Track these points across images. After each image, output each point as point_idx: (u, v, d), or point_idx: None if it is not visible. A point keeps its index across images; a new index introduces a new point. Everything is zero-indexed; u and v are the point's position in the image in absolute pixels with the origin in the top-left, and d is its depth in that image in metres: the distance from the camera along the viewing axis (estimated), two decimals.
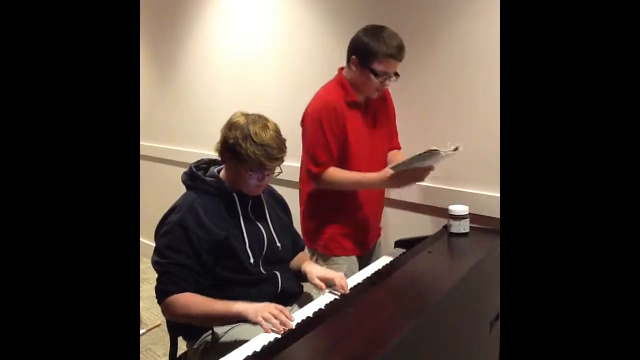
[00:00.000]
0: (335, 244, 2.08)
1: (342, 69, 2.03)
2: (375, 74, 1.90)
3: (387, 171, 1.83)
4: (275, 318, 1.41)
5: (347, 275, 1.73)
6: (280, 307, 1.45)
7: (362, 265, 2.11)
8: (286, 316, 1.41)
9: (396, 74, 1.94)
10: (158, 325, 3.12)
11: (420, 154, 1.69)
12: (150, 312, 3.36)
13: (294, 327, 1.39)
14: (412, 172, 1.82)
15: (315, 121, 1.94)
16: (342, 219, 2.07)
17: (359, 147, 1.98)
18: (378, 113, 2.08)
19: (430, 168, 1.84)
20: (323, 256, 2.08)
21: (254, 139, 1.57)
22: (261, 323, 1.41)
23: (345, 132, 1.96)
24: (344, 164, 1.98)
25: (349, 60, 1.97)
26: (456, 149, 1.71)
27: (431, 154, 1.68)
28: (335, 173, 1.95)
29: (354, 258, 2.13)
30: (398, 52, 1.88)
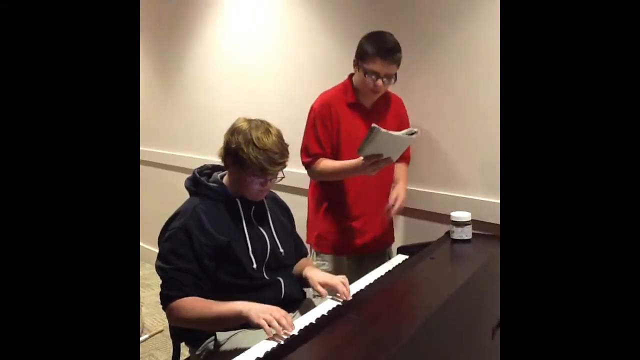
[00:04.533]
0: (324, 241, 2.15)
1: (352, 74, 2.14)
2: (365, 74, 2.00)
3: (360, 157, 1.91)
4: (277, 322, 1.40)
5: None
6: (283, 311, 1.45)
7: (364, 268, 2.13)
8: (287, 322, 1.41)
9: (389, 77, 2.01)
10: (161, 331, 3.12)
11: (369, 135, 1.75)
12: (153, 317, 3.36)
13: (296, 334, 1.39)
14: (381, 156, 1.85)
15: (312, 116, 2.10)
16: (333, 216, 2.16)
17: (353, 146, 2.00)
18: (382, 118, 2.12)
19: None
20: (316, 252, 2.18)
21: (256, 144, 1.58)
22: (263, 326, 1.39)
23: (340, 130, 2.08)
24: (337, 159, 2.08)
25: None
26: (413, 133, 1.80)
27: (387, 136, 1.75)
28: (321, 163, 2.07)
29: (344, 259, 2.18)
30: (385, 53, 1.97)
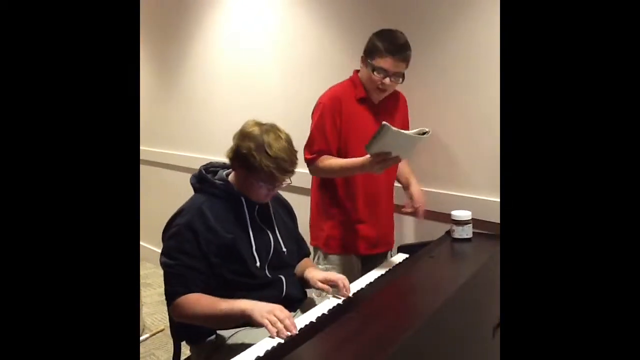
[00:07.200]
0: (335, 242, 2.11)
1: (358, 70, 2.11)
2: (374, 70, 1.97)
3: (367, 155, 1.84)
4: (280, 322, 1.40)
5: (347, 278, 1.73)
6: (286, 311, 1.45)
7: (366, 269, 2.11)
8: (290, 322, 1.41)
9: (398, 75, 1.98)
10: (161, 330, 3.12)
11: (379, 133, 1.67)
12: (153, 317, 3.36)
13: (296, 333, 1.39)
14: (389, 154, 1.77)
15: (320, 111, 2.04)
16: (341, 214, 2.11)
17: (361, 142, 1.95)
18: (391, 115, 2.11)
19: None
20: (324, 254, 2.13)
21: (267, 152, 1.57)
22: (266, 326, 1.40)
23: (349, 125, 2.04)
24: (344, 156, 2.03)
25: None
26: (425, 132, 1.72)
27: (397, 135, 1.68)
28: (325, 160, 2.02)
29: (353, 258, 2.15)
30: (396, 50, 1.94)
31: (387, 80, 1.97)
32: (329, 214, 2.13)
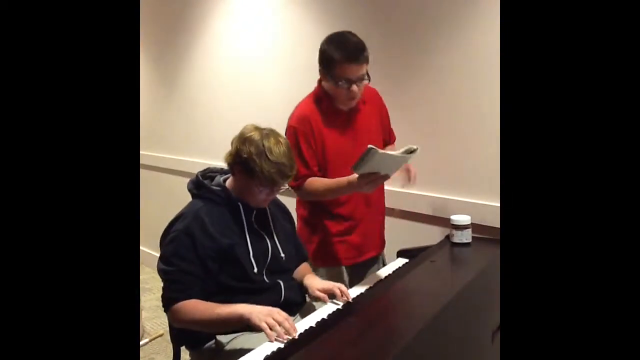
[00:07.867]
0: (321, 254, 2.06)
1: (321, 80, 2.01)
2: (337, 81, 1.87)
3: (355, 175, 1.75)
4: (279, 325, 1.40)
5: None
6: (284, 314, 1.45)
7: (355, 278, 2.07)
8: (290, 325, 1.41)
9: (362, 78, 1.87)
10: (161, 335, 3.11)
11: (365, 156, 1.61)
12: (153, 322, 3.35)
13: (296, 337, 1.39)
14: (378, 174, 1.72)
15: (293, 136, 1.94)
16: (326, 227, 2.05)
17: (339, 157, 1.95)
18: (365, 118, 2.03)
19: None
20: (312, 267, 2.05)
21: (269, 156, 1.57)
22: (265, 329, 1.40)
23: (323, 143, 1.96)
24: (325, 174, 1.97)
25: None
26: (412, 151, 1.66)
27: (385, 157, 1.64)
28: (312, 183, 1.94)
29: (341, 268, 2.08)
30: (353, 55, 1.83)
31: (354, 87, 1.86)
32: (313, 227, 2.07)
